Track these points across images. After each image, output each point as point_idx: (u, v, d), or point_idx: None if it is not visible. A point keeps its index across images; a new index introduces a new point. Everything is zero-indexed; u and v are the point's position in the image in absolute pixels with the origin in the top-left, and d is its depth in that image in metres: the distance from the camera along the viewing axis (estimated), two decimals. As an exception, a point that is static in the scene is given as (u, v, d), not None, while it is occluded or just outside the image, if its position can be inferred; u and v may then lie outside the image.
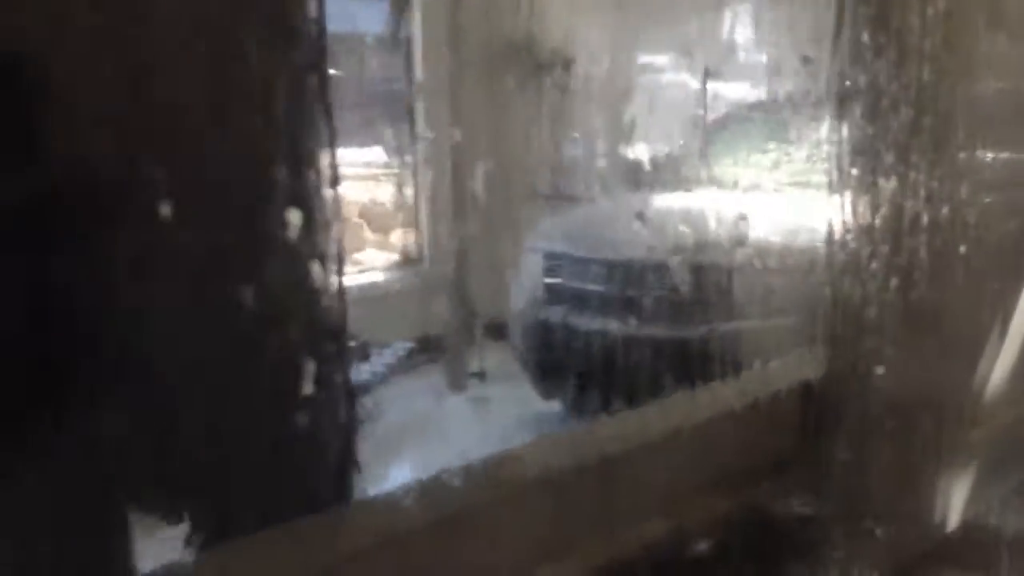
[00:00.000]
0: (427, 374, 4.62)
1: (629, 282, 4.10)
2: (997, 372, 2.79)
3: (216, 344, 0.92)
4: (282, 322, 0.98)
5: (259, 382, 0.98)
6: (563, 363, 4.14)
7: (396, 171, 6.01)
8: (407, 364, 4.55)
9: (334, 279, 1.01)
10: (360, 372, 4.36)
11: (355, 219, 6.26)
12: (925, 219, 2.33)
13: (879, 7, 2.52)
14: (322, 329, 1.04)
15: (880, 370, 2.29)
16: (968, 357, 2.60)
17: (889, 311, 2.24)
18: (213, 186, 0.87)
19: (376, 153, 6.30)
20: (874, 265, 2.38)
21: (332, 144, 0.98)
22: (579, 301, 4.30)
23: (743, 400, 2.08)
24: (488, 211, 5.14)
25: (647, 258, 3.93)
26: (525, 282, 4.57)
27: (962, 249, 2.52)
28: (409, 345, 4.59)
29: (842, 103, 2.57)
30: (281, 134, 0.93)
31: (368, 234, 6.00)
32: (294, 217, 0.93)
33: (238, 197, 0.90)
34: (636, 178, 4.57)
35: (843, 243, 2.32)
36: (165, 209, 0.81)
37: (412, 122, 5.70)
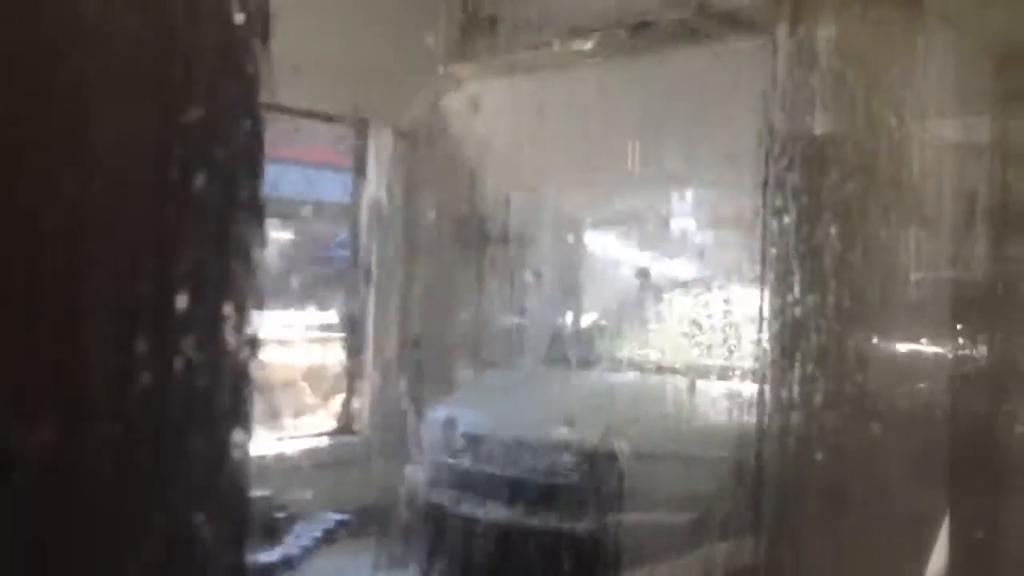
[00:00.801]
0: (357, 550, 4.40)
1: (537, 466, 3.52)
2: (932, 568, 2.72)
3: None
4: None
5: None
6: (450, 555, 3.57)
7: (343, 335, 5.96)
8: (335, 538, 4.34)
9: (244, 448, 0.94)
10: (285, 547, 4.14)
11: (299, 382, 6.16)
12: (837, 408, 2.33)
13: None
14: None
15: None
16: (893, 557, 2.53)
17: (810, 503, 2.18)
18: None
19: (325, 316, 6.26)
20: (799, 459, 2.35)
21: (258, 306, 0.93)
22: (475, 483, 3.70)
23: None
24: (428, 378, 5.09)
25: (562, 440, 3.51)
26: (421, 458, 4.09)
27: (889, 443, 2.50)
28: (339, 519, 4.40)
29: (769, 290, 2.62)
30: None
31: (309, 398, 5.88)
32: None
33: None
34: (564, 354, 4.52)
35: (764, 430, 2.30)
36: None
37: (360, 288, 5.73)
